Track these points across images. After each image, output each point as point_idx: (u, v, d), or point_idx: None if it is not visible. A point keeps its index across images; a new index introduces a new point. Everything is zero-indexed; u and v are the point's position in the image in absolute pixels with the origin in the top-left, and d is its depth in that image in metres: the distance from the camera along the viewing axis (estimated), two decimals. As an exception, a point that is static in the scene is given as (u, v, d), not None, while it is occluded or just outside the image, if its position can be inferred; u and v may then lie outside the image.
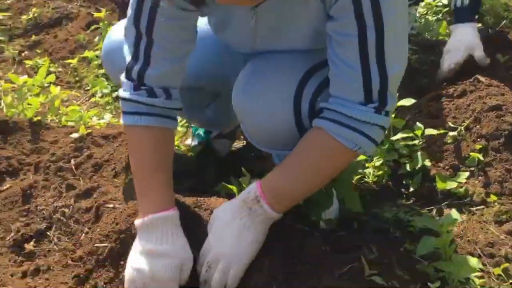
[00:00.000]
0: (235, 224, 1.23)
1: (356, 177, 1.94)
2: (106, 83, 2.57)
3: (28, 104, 2.13)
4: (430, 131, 1.86)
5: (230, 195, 1.53)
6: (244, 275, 1.25)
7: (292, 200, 1.28)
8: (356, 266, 1.17)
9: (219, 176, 1.79)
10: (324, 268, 1.19)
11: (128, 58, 1.33)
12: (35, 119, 1.98)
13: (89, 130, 1.84)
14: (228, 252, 1.22)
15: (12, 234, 1.52)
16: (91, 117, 2.17)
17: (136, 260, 1.26)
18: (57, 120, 2.13)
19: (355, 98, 1.20)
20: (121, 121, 1.39)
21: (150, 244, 1.26)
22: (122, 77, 1.37)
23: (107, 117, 2.20)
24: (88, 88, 2.63)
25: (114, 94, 2.49)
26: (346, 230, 1.54)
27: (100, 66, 2.73)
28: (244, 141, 2.20)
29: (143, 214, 1.29)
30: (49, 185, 1.66)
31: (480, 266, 1.33)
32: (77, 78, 2.73)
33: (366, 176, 1.93)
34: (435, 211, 1.73)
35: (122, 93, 1.36)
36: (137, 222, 1.29)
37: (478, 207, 1.72)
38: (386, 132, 1.43)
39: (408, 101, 1.90)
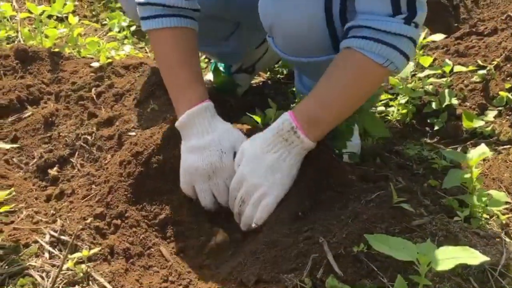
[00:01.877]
0: (270, 157, 1.19)
1: (378, 116, 1.91)
2: (124, 17, 2.51)
3: (46, 36, 2.09)
4: (459, 68, 1.81)
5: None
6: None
7: (328, 126, 1.22)
8: (383, 193, 1.16)
9: (240, 109, 1.76)
10: (351, 195, 1.18)
11: None
12: (53, 50, 1.95)
13: (110, 60, 1.81)
14: (262, 183, 1.19)
15: (35, 160, 1.52)
16: (110, 50, 2.14)
17: (185, 160, 1.28)
18: (75, 53, 2.09)
19: (382, 10, 1.14)
20: (143, 27, 1.38)
21: (192, 140, 1.27)
22: None
23: (127, 48, 2.16)
24: (105, 22, 2.57)
25: (132, 28, 2.44)
26: (369, 165, 1.53)
27: (117, 0, 2.67)
28: (264, 78, 2.17)
29: (180, 114, 1.30)
30: (70, 114, 1.65)
31: (508, 199, 1.31)
32: (93, 13, 2.67)
33: (390, 114, 1.89)
34: (459, 149, 1.70)
35: None
36: (177, 123, 1.31)
37: (504, 147, 1.69)
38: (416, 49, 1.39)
39: (437, 36, 1.84)
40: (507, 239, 1.09)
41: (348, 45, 1.17)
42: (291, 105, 1.80)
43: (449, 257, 0.87)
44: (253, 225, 1.21)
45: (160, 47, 1.36)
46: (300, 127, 1.17)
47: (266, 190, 1.19)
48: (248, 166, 1.21)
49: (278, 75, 2.15)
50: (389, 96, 1.93)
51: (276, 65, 2.14)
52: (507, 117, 1.77)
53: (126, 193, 1.33)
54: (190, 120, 1.27)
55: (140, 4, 1.35)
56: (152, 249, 1.27)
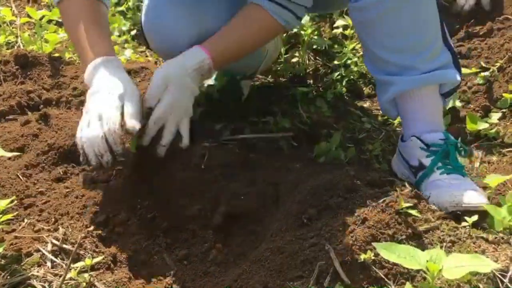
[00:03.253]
0: (191, 87, 1.37)
1: (382, 118, 1.90)
2: (124, 21, 2.50)
3: (46, 41, 2.08)
4: (462, 70, 1.79)
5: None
6: (274, 208, 1.24)
7: (225, 62, 1.44)
8: (389, 199, 1.14)
9: (244, 113, 1.75)
10: (356, 200, 1.16)
11: None
12: (54, 55, 1.94)
13: (110, 65, 1.79)
14: (185, 110, 1.36)
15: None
16: (110, 55, 2.12)
17: (85, 105, 1.34)
18: (75, 57, 2.08)
19: None
20: (54, 2, 1.45)
21: (90, 89, 1.33)
22: None
23: (128, 53, 2.14)
24: (105, 26, 2.56)
25: (133, 32, 2.43)
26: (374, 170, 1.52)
27: (117, 4, 2.65)
28: (266, 81, 2.16)
29: (85, 65, 1.36)
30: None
31: None
32: (93, 17, 2.65)
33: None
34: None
35: None
36: (84, 77, 1.36)
37: (509, 149, 1.68)
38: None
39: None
40: (516, 244, 1.08)
41: (258, 2, 1.39)
42: (295, 109, 1.79)
43: (459, 265, 0.85)
44: (183, 145, 1.34)
45: (69, 15, 1.41)
46: (214, 66, 1.38)
47: (186, 115, 1.36)
48: (175, 94, 1.33)
49: (281, 78, 2.14)
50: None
51: (278, 68, 2.13)
52: (511, 119, 1.76)
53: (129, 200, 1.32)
54: (92, 71, 1.33)
55: None
56: (156, 257, 1.26)
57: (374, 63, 1.46)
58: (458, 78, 1.45)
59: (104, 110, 1.27)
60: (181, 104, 1.34)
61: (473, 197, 1.22)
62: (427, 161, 1.36)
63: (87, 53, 1.36)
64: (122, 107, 1.28)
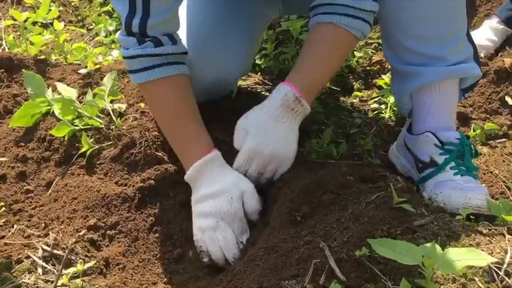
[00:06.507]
0: (280, 127, 1.27)
1: (373, 113, 1.89)
2: (110, 21, 2.47)
3: (31, 43, 2.05)
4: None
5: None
6: (268, 205, 1.23)
7: (318, 91, 1.38)
8: (383, 194, 1.13)
9: (233, 112, 1.74)
10: (350, 197, 1.15)
11: (124, 13, 1.26)
12: (39, 57, 1.91)
13: (98, 66, 1.77)
14: (276, 153, 1.26)
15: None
16: (97, 55, 2.10)
17: (195, 211, 1.26)
18: (62, 59, 2.05)
19: None
20: (134, 81, 1.32)
21: (202, 190, 1.26)
22: (119, 35, 1.31)
23: (115, 53, 2.12)
24: (92, 27, 2.53)
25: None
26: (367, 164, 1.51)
27: (102, 4, 2.62)
28: (256, 79, 2.15)
29: (187, 167, 1.29)
30: (59, 122, 1.60)
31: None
32: (79, 17, 2.62)
33: (383, 111, 1.88)
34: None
35: (125, 52, 1.30)
36: (186, 177, 1.29)
37: (499, 140, 1.69)
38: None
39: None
40: (510, 236, 1.07)
41: (329, 20, 1.31)
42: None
43: (455, 259, 0.85)
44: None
45: (158, 99, 1.33)
46: (304, 97, 1.28)
47: (281, 160, 1.27)
48: (258, 138, 1.26)
49: (269, 76, 2.13)
50: (382, 93, 1.91)
51: (267, 65, 2.12)
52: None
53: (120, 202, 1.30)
54: (199, 171, 1.26)
55: (127, 58, 1.30)
56: (149, 260, 1.24)
57: (397, 52, 1.40)
58: (480, 72, 1.40)
59: (232, 216, 1.23)
60: (265, 148, 1.25)
61: (485, 202, 1.22)
62: (440, 159, 1.33)
63: (187, 152, 1.30)
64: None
